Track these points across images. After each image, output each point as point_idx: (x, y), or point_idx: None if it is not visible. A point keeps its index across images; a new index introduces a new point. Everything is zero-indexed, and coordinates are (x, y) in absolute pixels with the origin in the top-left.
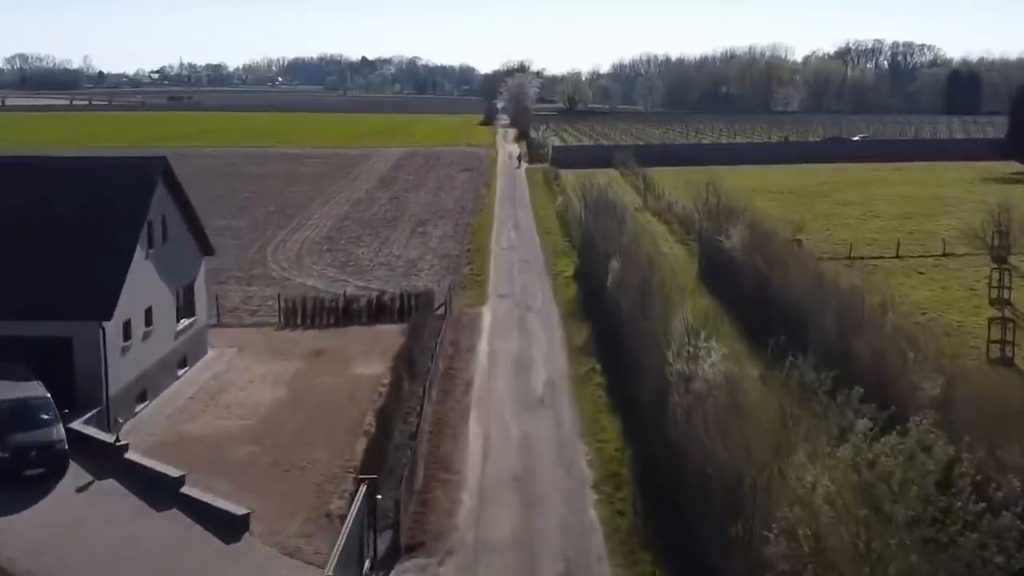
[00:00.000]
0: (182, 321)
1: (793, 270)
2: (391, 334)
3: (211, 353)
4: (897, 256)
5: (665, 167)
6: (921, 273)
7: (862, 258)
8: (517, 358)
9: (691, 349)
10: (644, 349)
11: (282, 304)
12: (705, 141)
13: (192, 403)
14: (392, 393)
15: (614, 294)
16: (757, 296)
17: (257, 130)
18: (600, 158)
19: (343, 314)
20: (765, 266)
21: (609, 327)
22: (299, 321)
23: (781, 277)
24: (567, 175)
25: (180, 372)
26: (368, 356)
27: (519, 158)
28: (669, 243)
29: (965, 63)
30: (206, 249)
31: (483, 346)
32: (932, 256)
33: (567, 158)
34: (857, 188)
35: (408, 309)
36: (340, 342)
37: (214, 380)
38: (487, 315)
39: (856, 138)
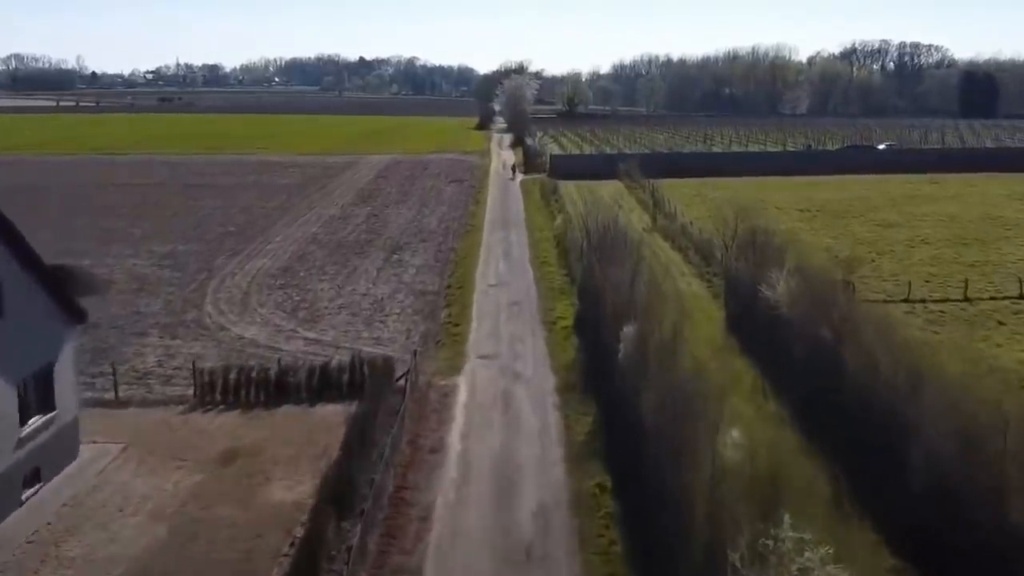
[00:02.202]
0: (31, 422)
1: (874, 346)
2: (333, 422)
3: (85, 455)
4: (965, 298)
5: (674, 178)
6: (1002, 324)
7: (923, 301)
8: (498, 466)
9: (769, 543)
10: (681, 497)
11: (197, 376)
12: (716, 149)
13: (27, 552)
14: (307, 547)
15: (628, 374)
16: (818, 373)
17: (243, 134)
18: (602, 168)
19: (276, 388)
20: (831, 335)
21: (619, 413)
22: (219, 398)
23: (857, 355)
24: (567, 187)
25: (27, 494)
26: (295, 463)
27: (514, 168)
28: (686, 277)
29: (973, 64)
30: (75, 316)
31: (453, 443)
32: (1008, 298)
33: (567, 168)
34: (894, 205)
35: (361, 380)
36: (264, 434)
37: (72, 507)
38: (463, 389)
39: (882, 146)
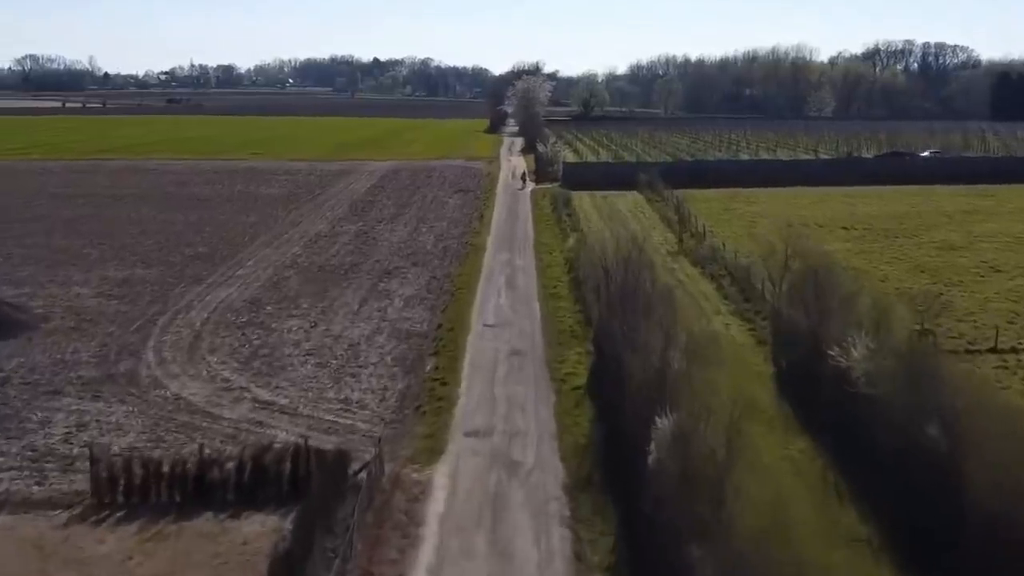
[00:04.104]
0: None
1: (1017, 468)
2: (257, 547)
3: None
4: None
5: (699, 188)
6: None
7: (1014, 351)
8: None
9: None
10: None
11: (95, 469)
12: (743, 156)
13: None
14: None
15: (662, 494)
16: (921, 489)
17: (239, 137)
18: (620, 177)
19: (195, 486)
20: (942, 437)
21: (652, 549)
22: (121, 498)
23: (988, 479)
24: (581, 200)
25: None
26: None
27: (523, 177)
28: (721, 314)
29: (998, 64)
30: None
31: None
32: None
33: (581, 177)
34: (950, 223)
35: (306, 475)
36: (160, 567)
37: None
38: (440, 488)
39: (926, 153)
